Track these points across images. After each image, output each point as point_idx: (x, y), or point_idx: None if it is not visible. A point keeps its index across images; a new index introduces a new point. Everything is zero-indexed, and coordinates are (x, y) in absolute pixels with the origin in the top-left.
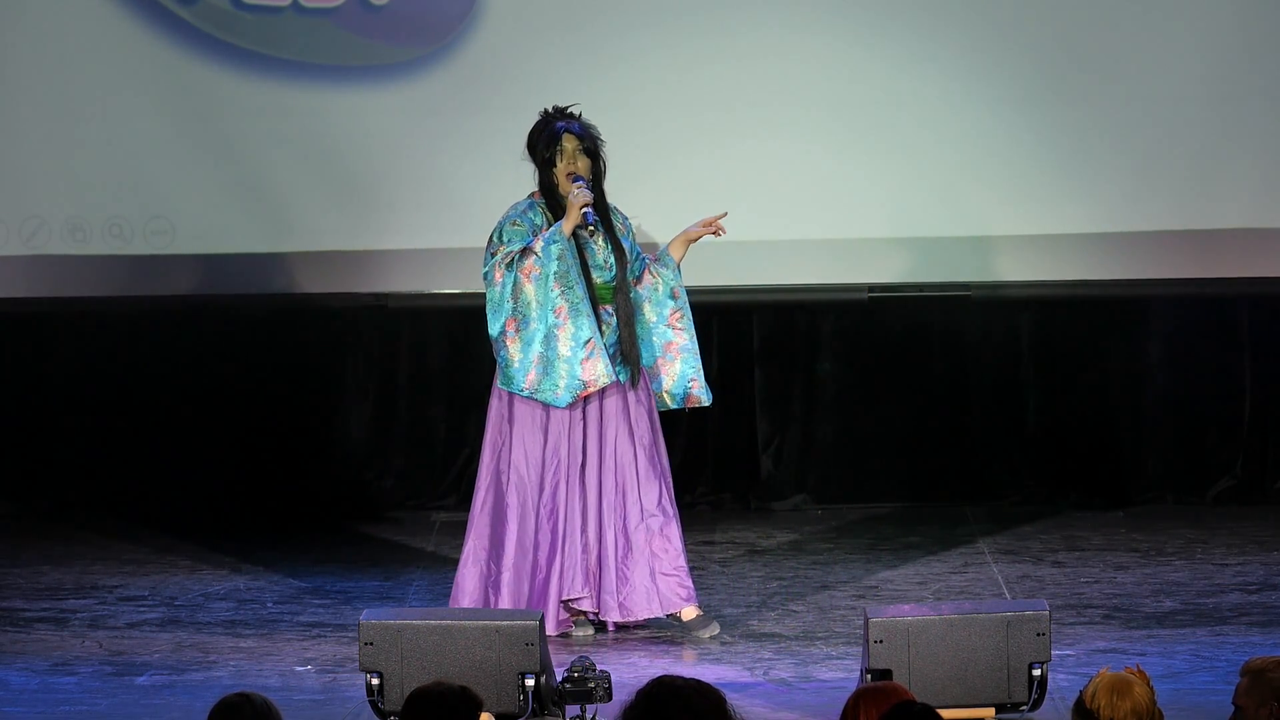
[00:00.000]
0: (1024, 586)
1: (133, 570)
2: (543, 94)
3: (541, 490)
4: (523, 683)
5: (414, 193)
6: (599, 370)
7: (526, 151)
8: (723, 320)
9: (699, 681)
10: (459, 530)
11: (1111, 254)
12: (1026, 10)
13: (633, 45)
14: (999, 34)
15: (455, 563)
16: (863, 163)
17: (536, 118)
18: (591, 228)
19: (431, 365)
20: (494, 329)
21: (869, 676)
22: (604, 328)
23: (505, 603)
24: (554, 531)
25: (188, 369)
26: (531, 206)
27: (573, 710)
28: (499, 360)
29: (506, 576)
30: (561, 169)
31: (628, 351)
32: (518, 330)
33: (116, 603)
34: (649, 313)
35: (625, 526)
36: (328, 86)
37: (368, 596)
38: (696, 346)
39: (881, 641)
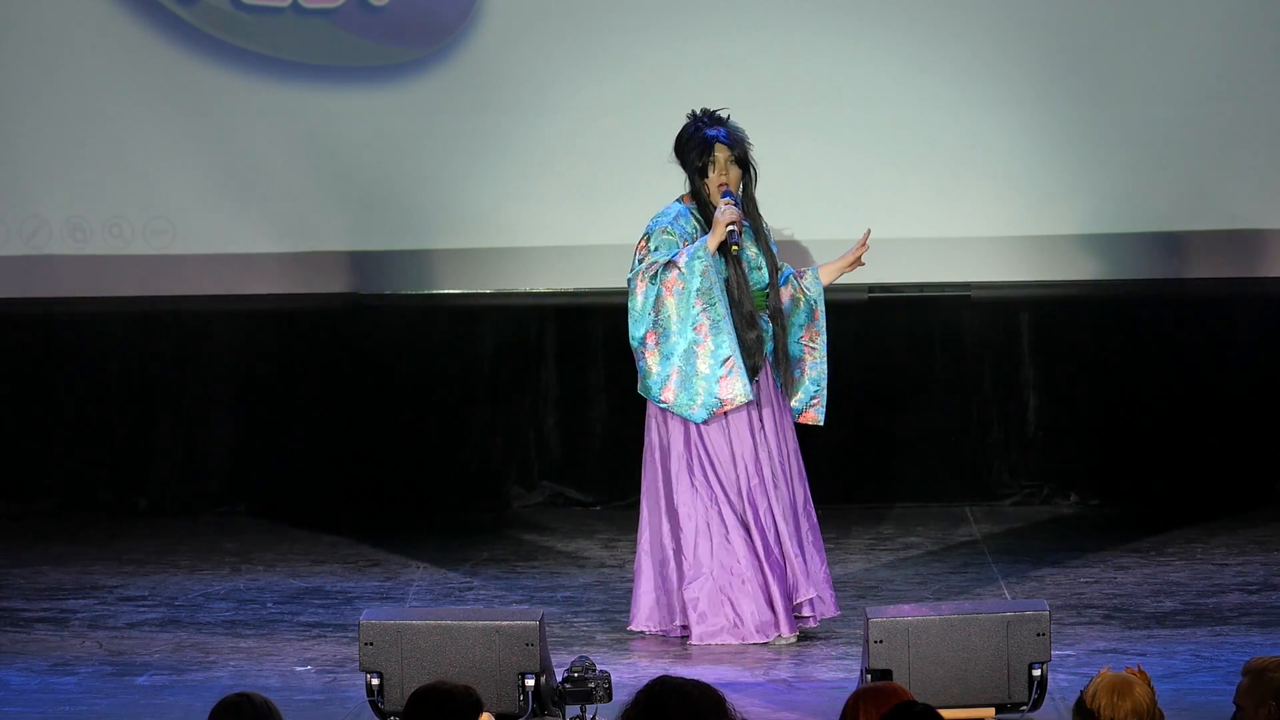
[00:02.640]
0: (1024, 586)
1: (133, 570)
2: (543, 94)
3: (742, 501)
4: (523, 683)
5: (414, 193)
6: (736, 389)
7: (674, 155)
8: None
9: (699, 681)
10: (459, 531)
11: (1111, 254)
12: (1026, 11)
13: (632, 46)
14: (999, 35)
15: (454, 563)
16: (862, 163)
17: (685, 120)
18: (736, 247)
19: (431, 365)
20: (634, 338)
21: (869, 676)
22: (764, 336)
23: (705, 619)
24: (760, 540)
25: (187, 369)
26: (683, 213)
27: (573, 710)
28: (638, 369)
29: (706, 598)
30: (713, 180)
31: (784, 359)
32: (657, 343)
33: (116, 603)
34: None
35: (798, 534)
36: (328, 86)
37: (368, 596)
38: (825, 368)
39: (881, 641)
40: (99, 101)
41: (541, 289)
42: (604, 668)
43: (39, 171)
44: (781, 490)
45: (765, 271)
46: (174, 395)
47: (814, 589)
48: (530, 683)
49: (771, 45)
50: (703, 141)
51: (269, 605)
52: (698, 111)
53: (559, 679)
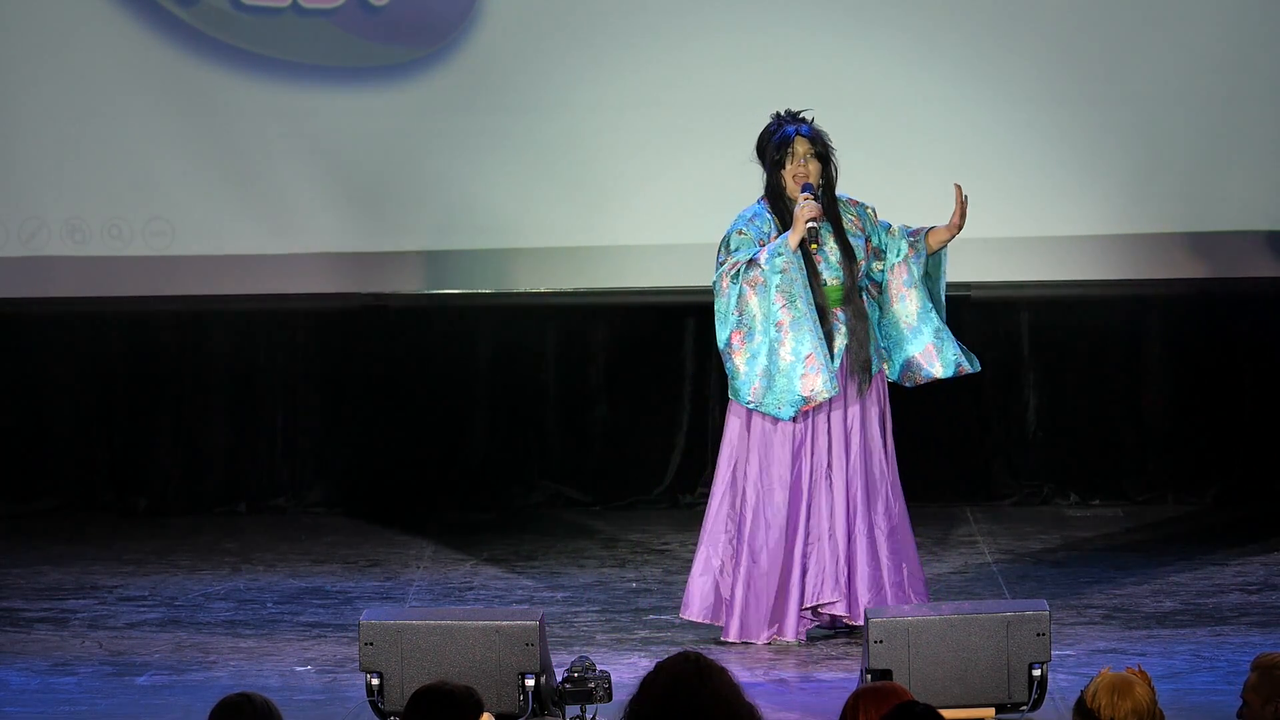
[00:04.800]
0: (1024, 587)
1: (133, 570)
2: (542, 94)
3: (787, 501)
4: (523, 683)
5: (414, 193)
6: (818, 385)
7: (755, 153)
8: None
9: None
10: (459, 531)
11: (1111, 254)
12: (1026, 11)
13: (632, 46)
14: (999, 35)
15: (454, 563)
16: (862, 164)
17: (768, 121)
18: (815, 244)
19: (431, 366)
20: (721, 340)
21: (869, 676)
22: (837, 335)
23: (736, 614)
24: (801, 539)
25: (187, 370)
26: (759, 213)
27: (573, 710)
28: (727, 371)
29: (739, 591)
30: (789, 171)
31: (857, 359)
32: (744, 342)
33: (116, 603)
34: (914, 301)
35: (869, 531)
36: (328, 87)
37: (368, 596)
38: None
39: (881, 641)
40: (98, 102)
41: (541, 289)
42: (604, 668)
43: (38, 172)
44: (839, 492)
45: (840, 269)
46: (174, 395)
47: (835, 595)
48: (530, 683)
49: (772, 46)
50: (781, 136)
51: (269, 605)
52: (781, 112)
53: (559, 679)
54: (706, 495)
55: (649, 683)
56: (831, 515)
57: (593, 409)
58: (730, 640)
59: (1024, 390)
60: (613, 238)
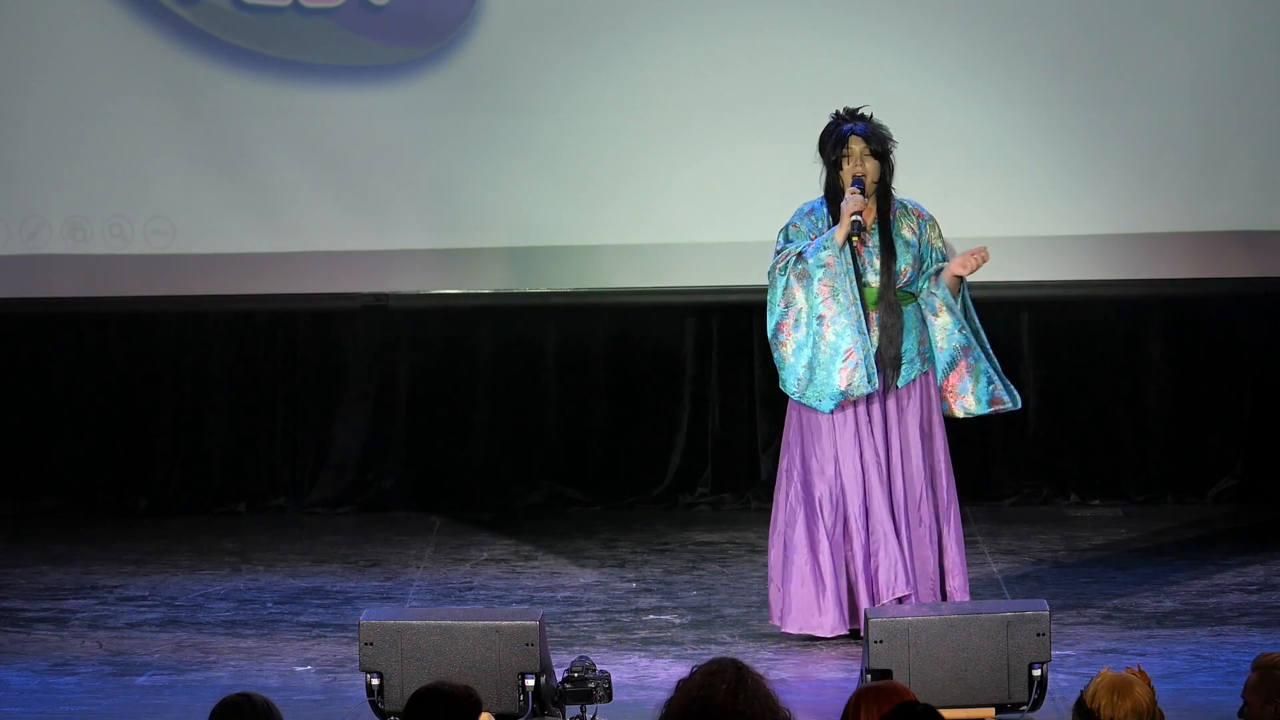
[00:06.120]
0: (1024, 586)
1: (133, 570)
2: (542, 93)
3: (841, 491)
4: (523, 683)
5: (414, 193)
6: (855, 379)
7: (818, 152)
8: (723, 320)
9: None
10: (459, 531)
11: (1111, 254)
12: (1026, 11)
13: (632, 46)
14: (999, 35)
15: (454, 563)
16: None
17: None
18: (857, 238)
19: (431, 365)
20: (770, 330)
21: (869, 676)
22: (870, 333)
23: (793, 606)
24: (863, 531)
25: (187, 369)
26: (817, 209)
27: (573, 710)
28: (775, 362)
29: (794, 583)
30: (848, 172)
31: (885, 354)
32: (790, 333)
33: (116, 603)
34: (939, 325)
35: (918, 527)
36: (328, 86)
37: (368, 596)
38: (984, 354)
39: (881, 641)
40: (99, 101)
41: (542, 289)
42: (604, 668)
43: (39, 171)
44: (897, 488)
45: (880, 270)
46: (174, 395)
47: (908, 588)
48: (530, 683)
49: (772, 45)
50: (839, 136)
51: (269, 605)
52: (840, 110)
53: (559, 679)
54: (707, 495)
55: (685, 685)
56: (892, 507)
57: (593, 409)
58: (790, 632)
59: (1024, 390)
60: (613, 237)
